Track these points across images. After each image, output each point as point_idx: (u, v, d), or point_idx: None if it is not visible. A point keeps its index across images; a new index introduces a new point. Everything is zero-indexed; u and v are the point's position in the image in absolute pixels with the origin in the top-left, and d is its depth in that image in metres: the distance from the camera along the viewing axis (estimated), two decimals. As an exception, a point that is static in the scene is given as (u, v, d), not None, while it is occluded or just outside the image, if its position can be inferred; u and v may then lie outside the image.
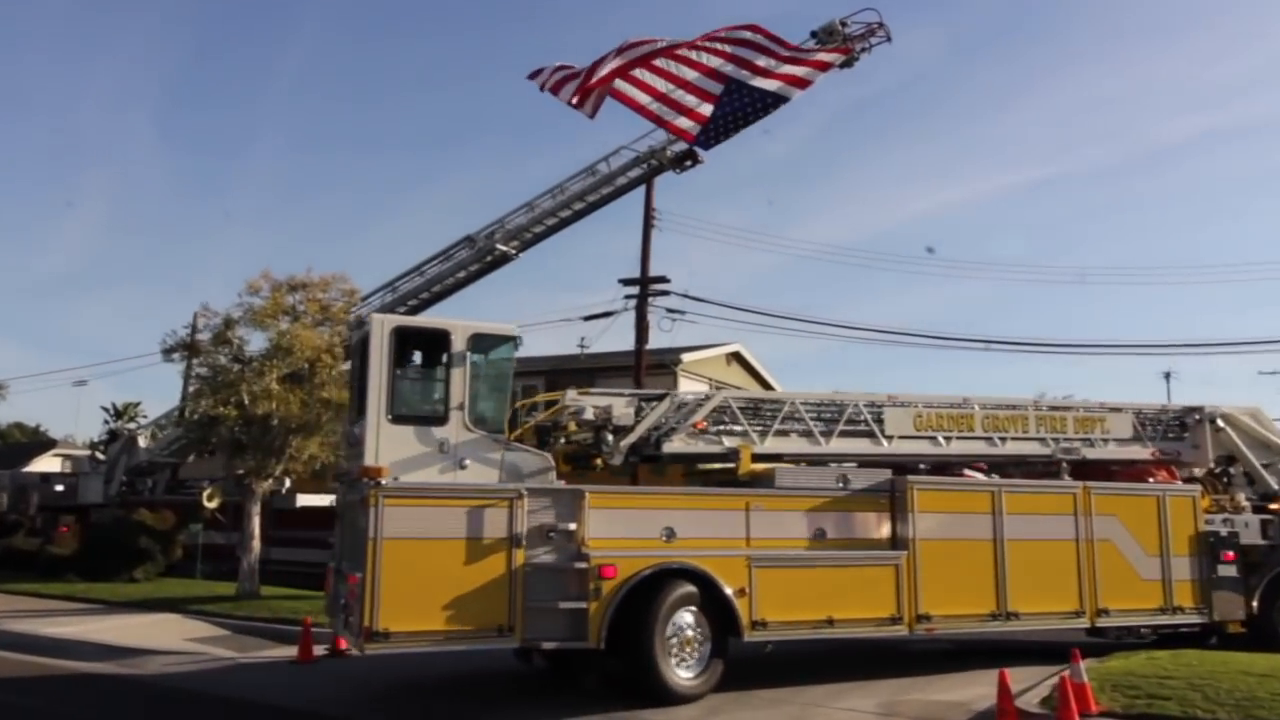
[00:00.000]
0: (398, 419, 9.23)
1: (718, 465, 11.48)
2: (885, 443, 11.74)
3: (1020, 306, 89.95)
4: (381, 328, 9.43)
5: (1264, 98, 72.00)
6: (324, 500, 23.03)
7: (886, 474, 11.04)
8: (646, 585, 9.28)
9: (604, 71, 15.82)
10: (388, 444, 9.09)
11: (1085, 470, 12.58)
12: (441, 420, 9.38)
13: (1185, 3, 74.06)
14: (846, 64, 19.16)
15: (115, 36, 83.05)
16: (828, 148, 77.06)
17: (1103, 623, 11.58)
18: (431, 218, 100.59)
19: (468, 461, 9.32)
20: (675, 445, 10.83)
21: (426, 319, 10.92)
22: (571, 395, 10.85)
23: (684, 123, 17.30)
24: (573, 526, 9.32)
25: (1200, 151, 72.69)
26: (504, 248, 21.45)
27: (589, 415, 10.58)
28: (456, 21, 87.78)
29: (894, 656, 12.37)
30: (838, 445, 11.53)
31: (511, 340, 10.10)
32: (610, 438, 10.55)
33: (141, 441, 24.34)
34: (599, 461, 10.57)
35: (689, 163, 20.32)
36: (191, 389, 17.26)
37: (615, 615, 9.10)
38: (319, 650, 11.99)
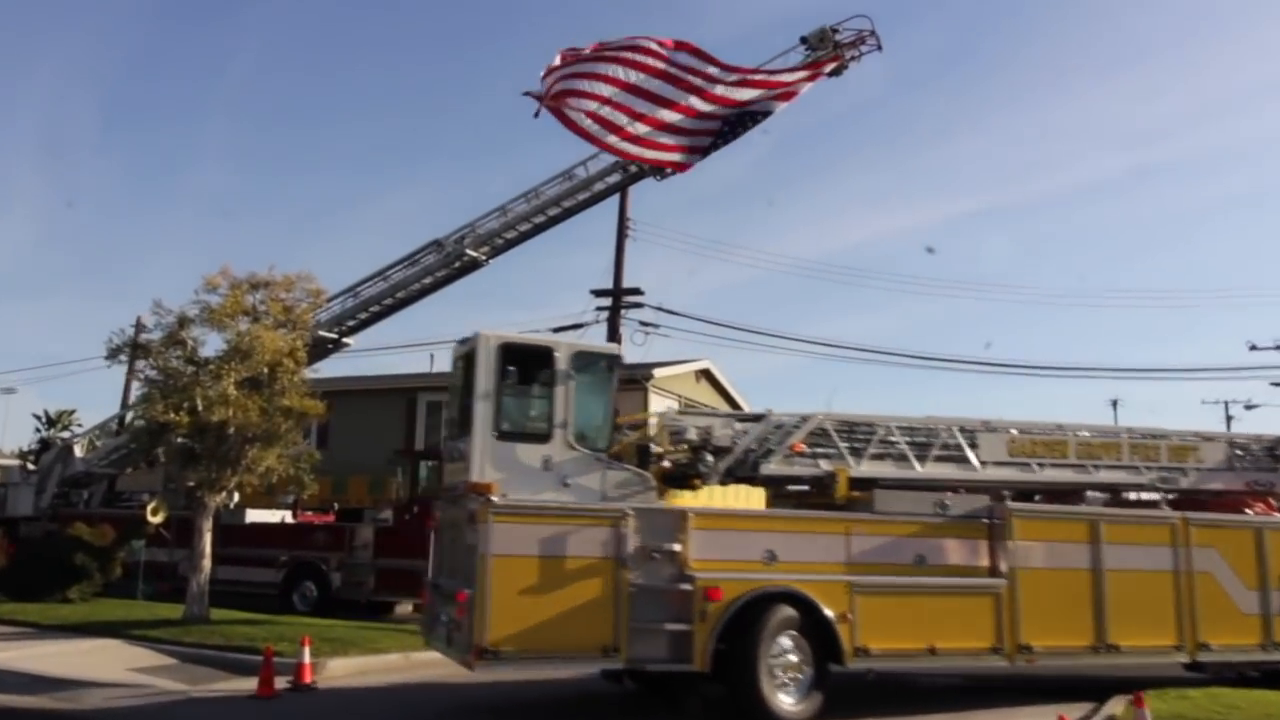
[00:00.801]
0: (503, 435, 9.35)
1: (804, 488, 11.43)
2: (979, 468, 11.58)
3: (969, 329, 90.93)
4: (488, 344, 9.51)
5: (1194, 135, 74.23)
6: (274, 516, 21.84)
7: (984, 500, 10.85)
8: (750, 608, 9.30)
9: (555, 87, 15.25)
10: (493, 460, 9.21)
11: (1176, 500, 12.34)
12: (545, 438, 9.47)
13: (1122, 42, 76.13)
14: (835, 72, 18.71)
15: (52, 50, 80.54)
16: (778, 171, 77.63)
17: (1203, 658, 11.21)
18: (370, 238, 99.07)
19: (570, 479, 9.39)
20: (773, 467, 10.80)
21: (530, 336, 10.76)
22: (672, 414, 10.84)
23: (666, 141, 16.73)
24: (676, 547, 9.35)
25: (1137, 184, 74.62)
26: (474, 253, 20.48)
27: (691, 435, 10.52)
28: (403, 43, 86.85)
29: (902, 692, 11.69)
30: (932, 470, 11.38)
31: (612, 358, 10.32)
32: (710, 458, 10.47)
33: (78, 450, 22.77)
34: (697, 482, 10.31)
35: (670, 170, 19.63)
36: (138, 393, 15.94)
37: (720, 638, 9.12)
38: (281, 683, 10.88)
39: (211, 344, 15.19)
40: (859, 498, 10.70)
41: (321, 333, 20.18)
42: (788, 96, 17.45)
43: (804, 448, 10.98)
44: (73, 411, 49.04)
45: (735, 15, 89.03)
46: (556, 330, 24.02)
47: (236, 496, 18.28)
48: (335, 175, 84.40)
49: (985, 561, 10.51)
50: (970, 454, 11.60)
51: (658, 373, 24.96)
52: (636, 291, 23.16)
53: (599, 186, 20.11)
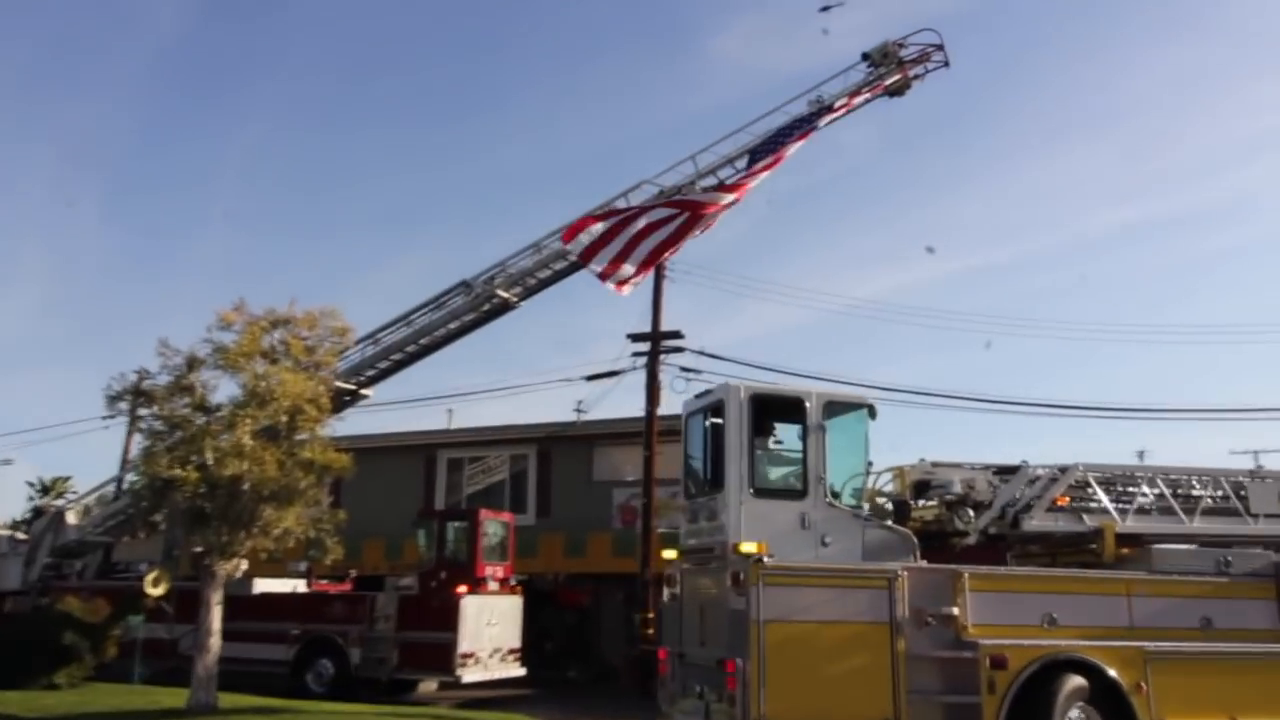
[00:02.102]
0: (759, 493, 9.03)
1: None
2: (1251, 521, 10.83)
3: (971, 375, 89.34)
4: (739, 395, 9.21)
5: (1191, 190, 74.03)
6: (284, 585, 19.88)
7: (1268, 556, 10.19)
8: (1039, 678, 8.82)
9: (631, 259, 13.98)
10: (750, 520, 8.82)
11: None
12: (801, 494, 9.12)
13: (1110, 101, 76.14)
14: (897, 91, 17.35)
15: (61, 117, 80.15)
16: (773, 234, 76.97)
17: None
18: (379, 302, 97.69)
19: (829, 538, 9.01)
20: (1035, 523, 10.21)
21: (780, 385, 10.37)
22: (926, 465, 10.32)
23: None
24: (953, 611, 8.90)
25: (1133, 239, 74.06)
26: (504, 294, 18.90)
27: (956, 489, 10.00)
28: (409, 109, 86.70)
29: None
30: (1202, 524, 10.69)
31: (865, 408, 9.78)
32: (970, 513, 10.01)
33: (71, 518, 20.91)
34: (956, 540, 9.97)
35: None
36: (140, 447, 14.12)
37: (1010, 710, 8.66)
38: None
39: (224, 390, 13.46)
40: (1127, 555, 10.16)
41: (339, 383, 18.50)
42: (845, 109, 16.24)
43: (1067, 501, 10.37)
44: (68, 478, 46.82)
45: (742, 75, 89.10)
46: (591, 378, 22.48)
47: (245, 564, 16.41)
48: (345, 240, 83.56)
49: (1275, 624, 9.84)
50: (1240, 506, 10.87)
51: (698, 423, 23.20)
52: (676, 335, 21.51)
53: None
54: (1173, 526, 10.59)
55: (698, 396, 10.35)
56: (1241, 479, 11.10)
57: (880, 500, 10.12)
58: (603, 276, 14.04)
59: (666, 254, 14.78)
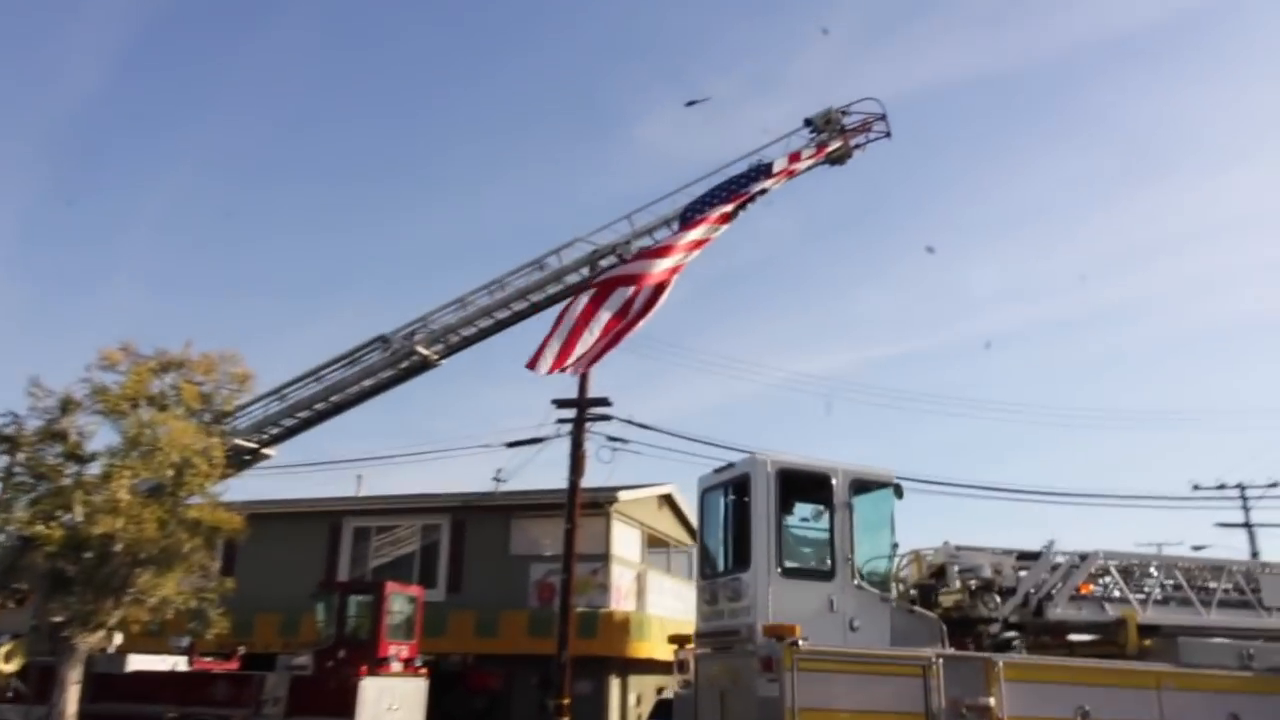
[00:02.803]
0: (788, 573, 8.76)
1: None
2: (1265, 614, 10.72)
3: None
4: (766, 469, 8.93)
5: (1090, 289, 77.29)
6: (163, 662, 17.98)
7: None
8: None
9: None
10: (778, 601, 8.56)
11: None
12: (829, 575, 8.88)
13: (1016, 203, 79.30)
14: (838, 160, 17.08)
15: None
16: (694, 316, 77.29)
17: None
18: (291, 368, 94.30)
19: (858, 622, 8.76)
20: (1059, 611, 9.99)
21: (807, 460, 9.65)
22: (950, 548, 9.95)
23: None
24: (989, 701, 8.69)
25: (1027, 337, 76.62)
26: (425, 351, 17.85)
27: (986, 573, 9.70)
28: (332, 168, 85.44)
29: None
30: (1219, 617, 10.59)
31: (891, 487, 9.50)
32: (997, 599, 9.73)
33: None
34: (982, 627, 9.59)
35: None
36: (-1, 499, 12.51)
37: None
38: None
39: (102, 437, 12.02)
40: (1149, 646, 10.01)
41: (239, 440, 17.09)
42: (788, 174, 15.71)
43: (1090, 589, 10.25)
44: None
45: (668, 162, 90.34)
46: (511, 445, 21.33)
47: (119, 638, 14.67)
48: (259, 301, 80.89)
49: None
50: (1254, 599, 10.80)
51: (623, 496, 22.17)
52: (603, 402, 20.57)
53: (571, 278, 17.85)
54: (1190, 618, 10.48)
55: (717, 471, 10.11)
56: (1256, 571, 11.12)
57: (902, 583, 9.81)
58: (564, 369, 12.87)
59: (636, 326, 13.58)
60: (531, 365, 12.35)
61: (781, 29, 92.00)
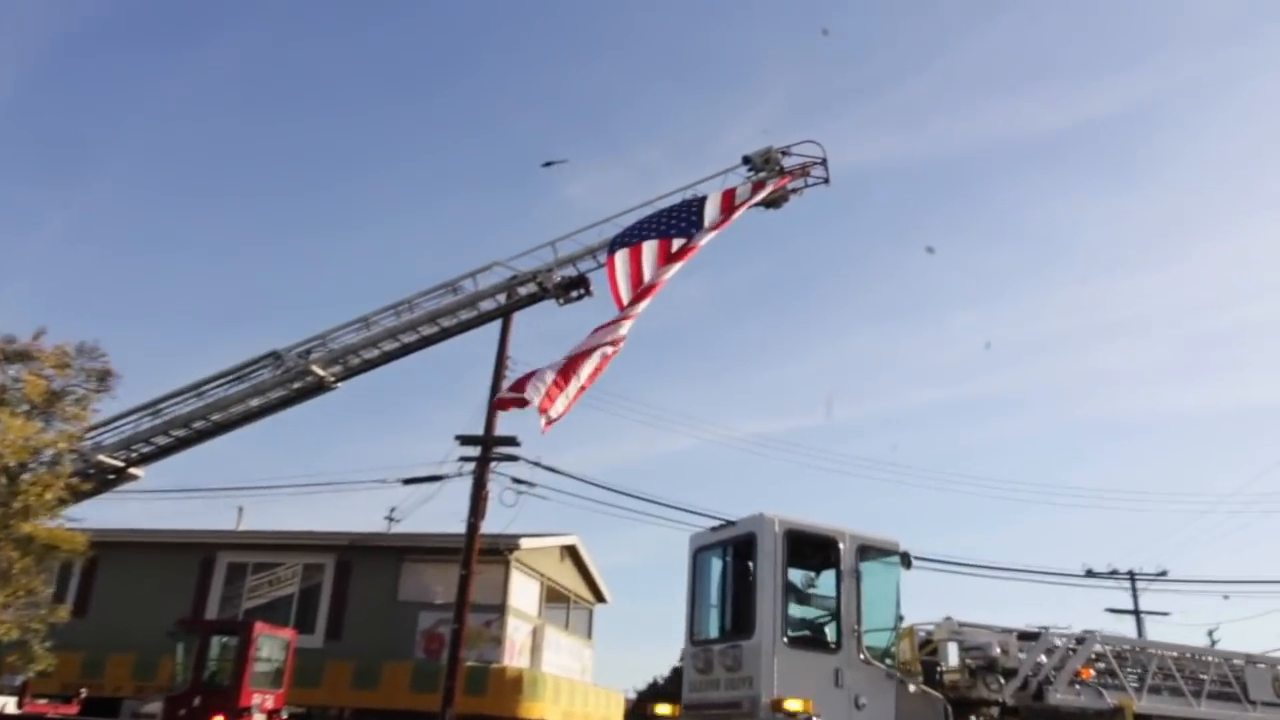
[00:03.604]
0: (794, 643, 8.34)
1: None
2: (1250, 708, 10.57)
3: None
4: (773, 529, 8.47)
5: (981, 379, 79.39)
6: (-10, 705, 15.87)
7: None
8: None
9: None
10: (784, 673, 8.03)
11: None
12: (835, 647, 8.45)
13: (924, 291, 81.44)
14: (774, 203, 16.50)
15: None
16: (603, 382, 76.32)
17: None
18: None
19: (864, 699, 8.29)
20: (1059, 696, 9.58)
21: (815, 523, 9.05)
22: (953, 624, 9.57)
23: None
24: None
25: (937, 418, 78.14)
26: (321, 372, 16.49)
27: (995, 653, 9.27)
28: (251, 184, 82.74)
29: None
30: (1208, 709, 10.37)
31: (898, 555, 9.10)
32: (1001, 680, 9.30)
33: None
34: (983, 709, 9.23)
35: (578, 292, 16.57)
36: None
37: None
38: None
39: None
40: None
41: (103, 457, 15.39)
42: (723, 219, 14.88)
43: (1090, 674, 9.87)
44: None
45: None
46: (408, 482, 19.85)
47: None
48: (169, 336, 76.90)
49: None
50: (1240, 691, 10.66)
51: (524, 543, 20.84)
52: (511, 441, 19.29)
53: (487, 305, 16.81)
54: (1181, 709, 10.29)
55: (714, 529, 9.60)
56: (1241, 663, 10.99)
57: (903, 658, 9.27)
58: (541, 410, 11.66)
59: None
60: (518, 399, 11.25)
61: (710, 103, 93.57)
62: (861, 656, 8.46)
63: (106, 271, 78.10)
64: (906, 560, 9.06)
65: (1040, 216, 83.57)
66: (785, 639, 8.09)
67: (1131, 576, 32.79)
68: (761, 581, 8.30)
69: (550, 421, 11.06)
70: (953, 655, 9.33)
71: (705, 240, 14.00)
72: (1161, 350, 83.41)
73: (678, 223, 14.37)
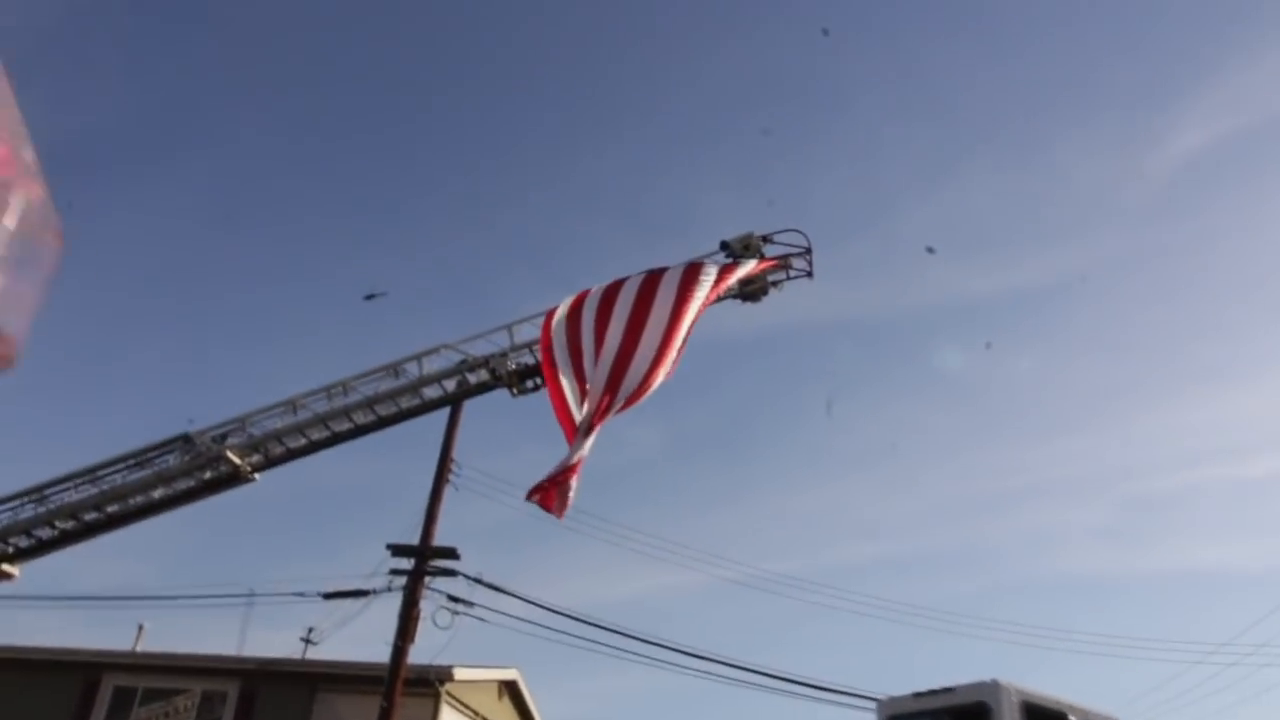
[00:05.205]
0: None
1: None
2: None
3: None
4: (1011, 699, 8.01)
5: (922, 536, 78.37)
6: None
7: None
8: None
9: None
10: None
11: None
12: None
13: (864, 444, 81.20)
14: (752, 296, 15.22)
15: None
16: (551, 528, 73.57)
17: None
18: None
19: None
20: None
21: (1046, 694, 8.45)
22: None
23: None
24: None
25: (878, 574, 76.68)
26: (236, 459, 14.55)
27: None
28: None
29: None
30: None
31: None
32: None
33: None
34: None
35: (533, 381, 14.96)
36: None
37: None
38: None
39: None
40: None
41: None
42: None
43: None
44: None
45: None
46: (329, 596, 17.57)
47: None
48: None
49: None
50: None
51: (461, 673, 18.40)
52: (450, 554, 17.21)
53: (431, 393, 15.07)
54: None
55: (918, 696, 8.85)
56: None
57: None
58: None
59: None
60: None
61: (649, 247, 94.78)
62: None
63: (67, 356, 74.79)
64: None
65: (976, 379, 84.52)
66: None
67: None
68: None
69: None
70: None
71: (687, 327, 12.36)
72: (1098, 513, 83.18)
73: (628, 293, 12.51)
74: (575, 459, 9.60)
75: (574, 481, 9.54)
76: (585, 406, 10.08)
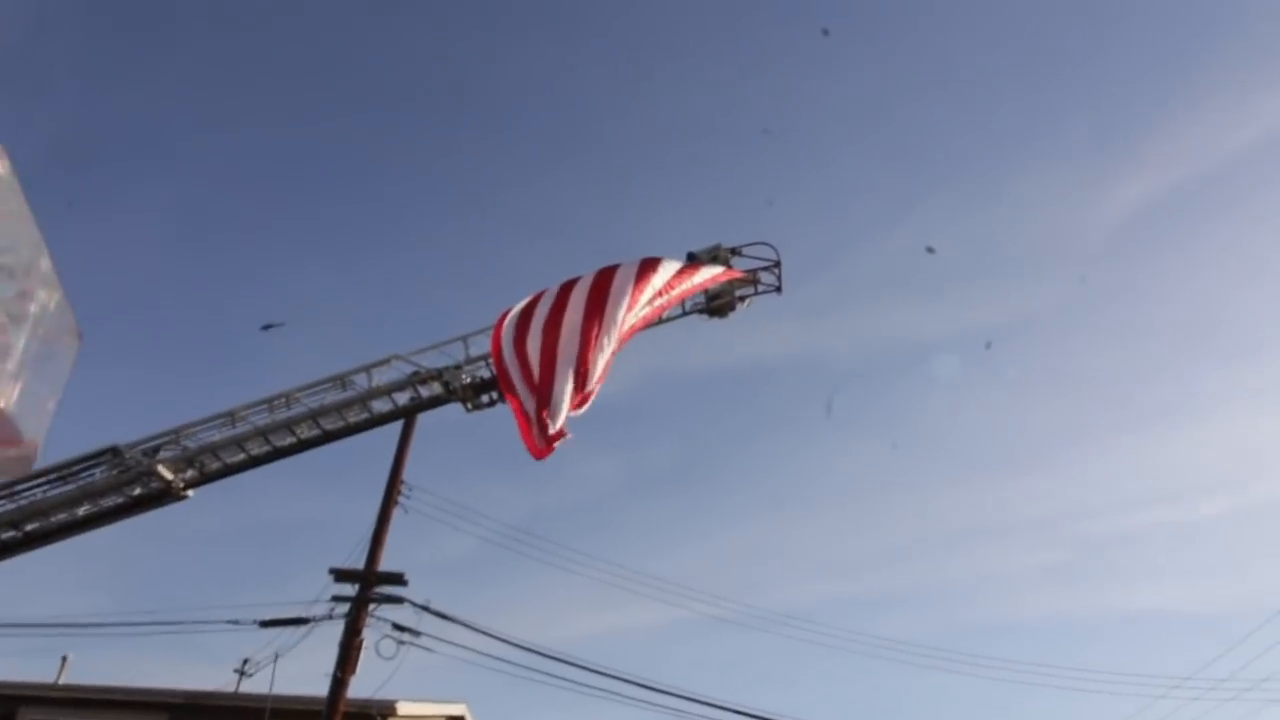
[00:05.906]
0: None
1: None
2: None
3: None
4: None
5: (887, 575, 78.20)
6: None
7: None
8: None
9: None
10: None
11: None
12: None
13: (825, 487, 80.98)
14: (719, 311, 14.68)
15: None
16: (506, 556, 71.87)
17: None
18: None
19: None
20: None
21: None
22: None
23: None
24: None
25: (837, 614, 76.11)
26: (169, 475, 13.57)
27: None
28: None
29: None
30: None
31: None
32: None
33: None
34: None
35: (489, 396, 14.22)
36: None
37: None
38: None
39: None
40: None
41: None
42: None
43: None
44: None
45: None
46: (267, 624, 16.54)
47: None
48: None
49: None
50: None
51: (405, 708, 17.39)
52: (396, 579, 16.28)
53: (380, 406, 14.24)
54: None
55: None
56: None
57: None
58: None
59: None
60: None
61: (614, 257, 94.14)
62: None
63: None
64: None
65: (926, 416, 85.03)
66: None
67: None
68: None
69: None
70: None
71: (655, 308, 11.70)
72: (1053, 553, 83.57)
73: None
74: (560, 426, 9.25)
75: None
76: (553, 398, 9.44)
